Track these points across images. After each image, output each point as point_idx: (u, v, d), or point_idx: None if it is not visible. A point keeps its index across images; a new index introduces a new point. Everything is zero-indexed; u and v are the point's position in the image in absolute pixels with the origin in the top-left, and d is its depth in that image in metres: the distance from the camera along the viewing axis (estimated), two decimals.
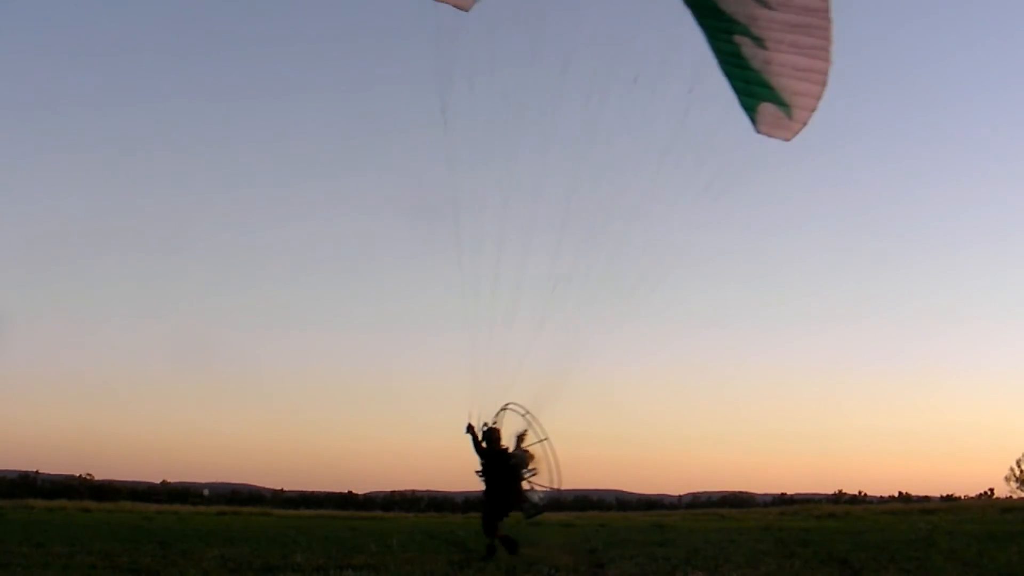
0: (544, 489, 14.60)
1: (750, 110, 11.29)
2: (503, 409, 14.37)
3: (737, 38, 10.80)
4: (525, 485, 14.53)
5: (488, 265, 12.98)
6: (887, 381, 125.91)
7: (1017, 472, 53.15)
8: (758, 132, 11.33)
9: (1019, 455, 53.44)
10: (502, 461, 14.36)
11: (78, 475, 65.60)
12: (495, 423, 14.44)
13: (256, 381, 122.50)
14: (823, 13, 10.33)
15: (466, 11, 10.60)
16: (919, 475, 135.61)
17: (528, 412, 14.30)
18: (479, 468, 14.49)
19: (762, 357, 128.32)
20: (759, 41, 10.68)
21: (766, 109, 11.13)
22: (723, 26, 10.87)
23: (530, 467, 14.50)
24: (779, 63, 10.62)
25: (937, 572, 14.62)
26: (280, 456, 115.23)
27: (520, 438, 14.51)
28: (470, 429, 14.42)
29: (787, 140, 11.28)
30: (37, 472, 65.20)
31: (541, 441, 14.32)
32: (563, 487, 14.69)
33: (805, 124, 11.04)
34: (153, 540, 19.86)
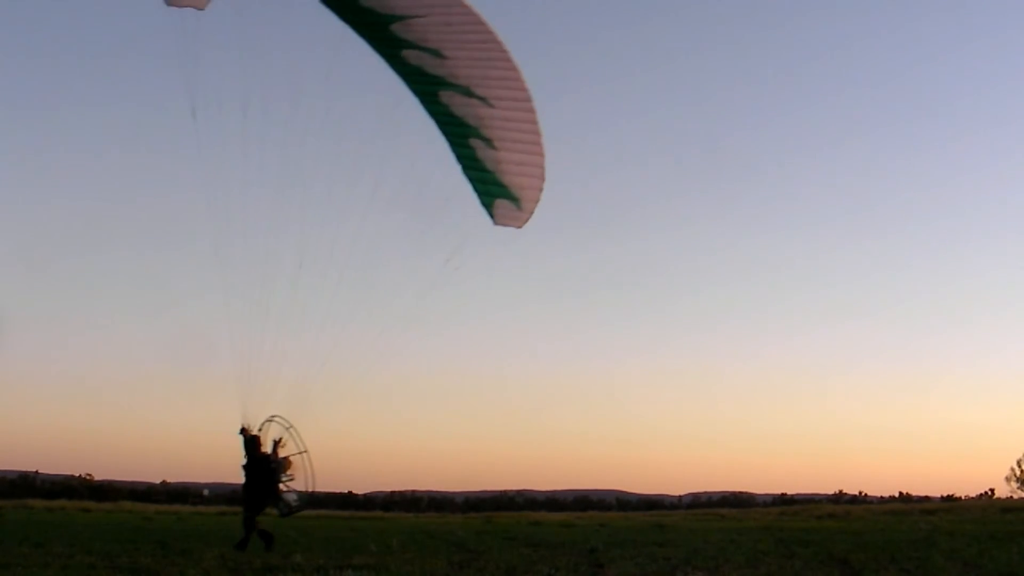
0: (299, 492, 16.37)
1: (488, 207, 12.64)
2: (267, 421, 15.95)
3: (472, 141, 12.03)
4: (282, 487, 16.24)
5: (249, 272, 13.37)
6: (887, 381, 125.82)
7: (1017, 472, 53.14)
8: (495, 224, 12.76)
9: (1019, 455, 53.47)
10: (262, 466, 16.07)
11: (78, 475, 65.58)
12: (259, 431, 16.06)
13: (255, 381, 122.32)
14: (528, 104, 11.47)
15: (201, 9, 10.76)
16: (919, 475, 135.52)
17: (292, 426, 15.91)
18: (244, 463, 16.15)
19: (762, 357, 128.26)
20: (489, 142, 11.92)
21: (501, 204, 12.47)
22: (459, 131, 12.06)
23: (287, 473, 16.14)
24: (507, 161, 11.88)
25: (937, 572, 14.61)
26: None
27: (276, 444, 16.11)
28: (244, 431, 16.00)
29: (519, 228, 12.74)
30: (37, 472, 65.23)
31: (301, 453, 15.96)
32: (317, 490, 16.52)
33: (532, 213, 12.41)
34: (153, 540, 19.85)
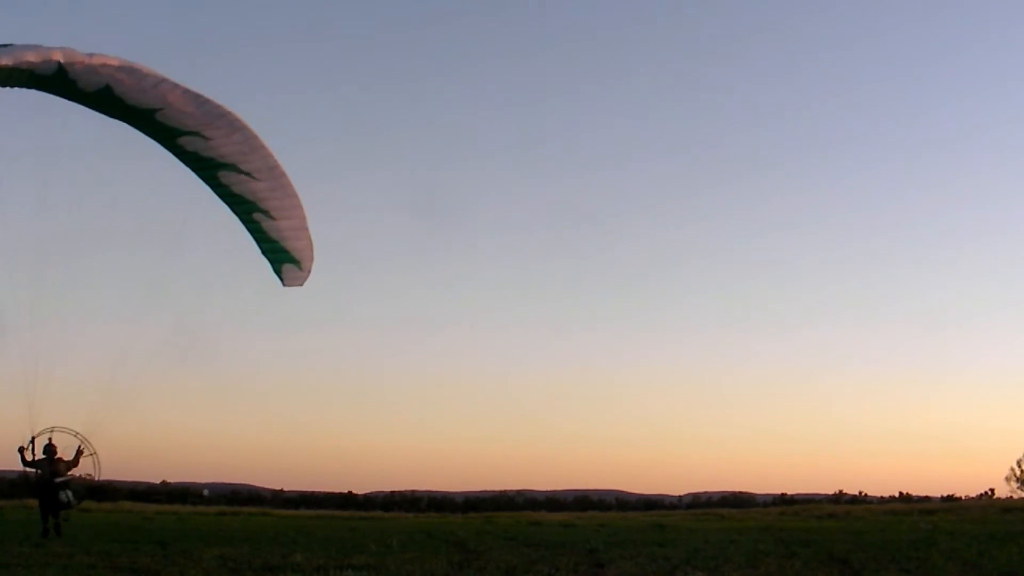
0: (75, 488, 19.74)
1: (277, 272, 14.41)
2: (50, 431, 18.65)
3: (255, 216, 13.70)
4: (65, 480, 19.39)
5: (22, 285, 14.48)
6: (887, 381, 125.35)
7: (1017, 472, 53.12)
8: (284, 286, 14.58)
9: (1019, 455, 53.42)
10: (45, 471, 19.11)
11: (78, 475, 65.43)
12: (48, 440, 18.98)
13: (256, 381, 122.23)
14: (281, 169, 13.06)
15: None
16: (919, 475, 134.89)
17: (78, 433, 18.76)
18: (36, 472, 19.13)
19: (762, 356, 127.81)
20: (267, 213, 13.55)
21: (287, 268, 14.29)
22: (245, 208, 13.64)
23: (65, 475, 19.27)
24: (285, 229, 13.56)
25: (937, 572, 14.61)
26: (280, 456, 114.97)
27: (79, 451, 19.10)
28: (21, 451, 18.59)
29: (301, 286, 14.58)
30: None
31: (91, 455, 19.04)
32: (100, 478, 19.85)
33: (310, 272, 14.35)
34: (153, 540, 19.87)
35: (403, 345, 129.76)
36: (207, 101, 12.52)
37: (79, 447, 19.14)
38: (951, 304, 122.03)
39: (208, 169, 13.44)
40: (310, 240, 14.14)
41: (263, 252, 14.48)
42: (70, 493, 19.48)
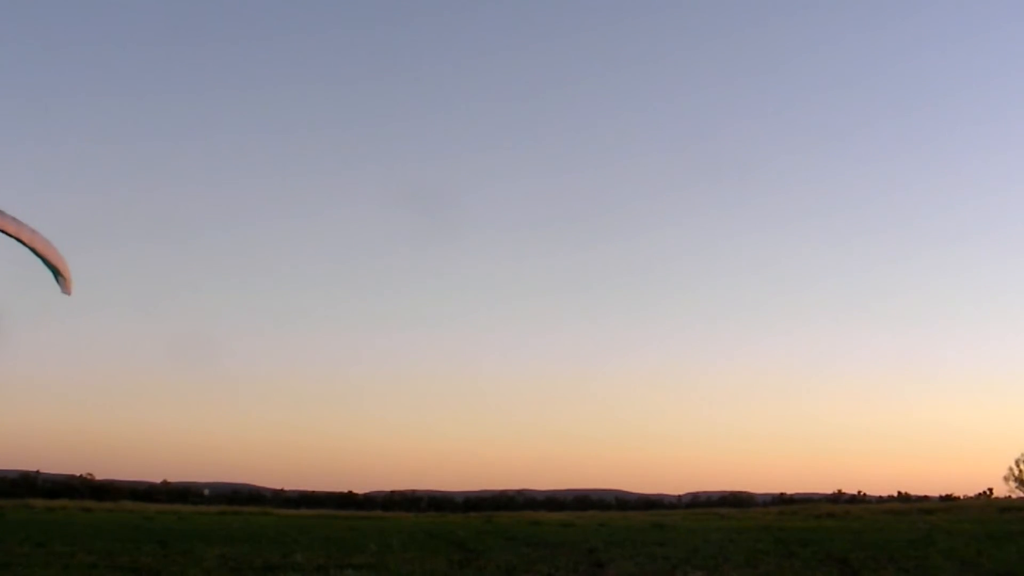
0: None
1: (56, 281, 17.62)
2: None
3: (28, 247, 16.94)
4: None
5: None
6: (886, 381, 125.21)
7: (1016, 472, 53.13)
8: (63, 293, 17.58)
9: (1018, 455, 53.41)
10: None
11: (79, 475, 65.61)
12: None
13: (256, 381, 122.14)
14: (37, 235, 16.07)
15: None
16: (918, 475, 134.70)
17: None
18: None
19: (761, 355, 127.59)
20: (34, 250, 16.59)
21: (61, 280, 17.67)
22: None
23: None
24: (48, 255, 16.94)
25: (936, 571, 14.67)
26: (280, 456, 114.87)
27: None
28: None
29: (69, 295, 17.61)
30: (38, 472, 65.22)
31: None
32: None
33: (72, 282, 17.56)
34: (153, 540, 19.90)
35: (403, 344, 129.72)
36: None
37: None
38: (950, 304, 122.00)
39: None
40: (67, 265, 17.41)
41: (45, 266, 17.73)
42: None
